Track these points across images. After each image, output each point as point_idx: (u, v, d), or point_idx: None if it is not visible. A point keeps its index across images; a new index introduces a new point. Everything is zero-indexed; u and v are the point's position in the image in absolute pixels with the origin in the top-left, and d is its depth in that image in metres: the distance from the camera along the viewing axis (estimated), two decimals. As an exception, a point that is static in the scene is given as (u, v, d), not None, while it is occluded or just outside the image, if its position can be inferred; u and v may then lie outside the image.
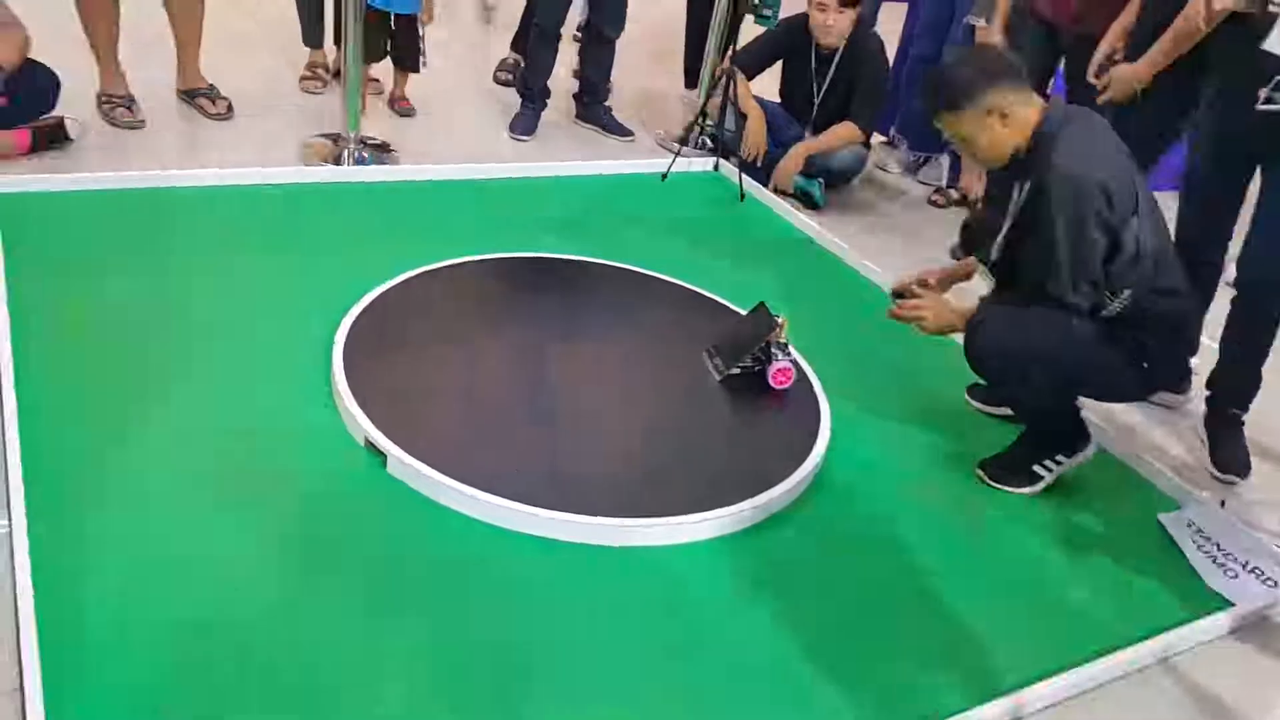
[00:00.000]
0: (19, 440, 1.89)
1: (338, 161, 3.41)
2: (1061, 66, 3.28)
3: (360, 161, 3.42)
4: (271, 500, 1.90)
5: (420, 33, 3.80)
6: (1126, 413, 2.71)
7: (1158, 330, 2.17)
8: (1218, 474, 2.54)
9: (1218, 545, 2.18)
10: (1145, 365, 2.20)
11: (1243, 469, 2.54)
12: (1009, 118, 2.12)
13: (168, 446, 1.99)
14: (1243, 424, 2.60)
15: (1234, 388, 2.59)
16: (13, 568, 1.64)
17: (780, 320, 2.43)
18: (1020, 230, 2.20)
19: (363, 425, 2.05)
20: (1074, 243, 2.04)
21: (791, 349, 2.49)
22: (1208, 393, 2.64)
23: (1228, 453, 2.56)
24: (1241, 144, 2.46)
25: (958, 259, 2.94)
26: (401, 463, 1.98)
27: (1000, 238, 2.28)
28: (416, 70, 3.90)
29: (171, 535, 1.78)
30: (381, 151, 3.55)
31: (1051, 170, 2.05)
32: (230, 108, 3.62)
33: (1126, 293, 2.11)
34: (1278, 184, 2.42)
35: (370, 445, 2.04)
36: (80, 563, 1.69)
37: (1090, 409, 2.42)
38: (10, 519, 1.72)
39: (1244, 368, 2.55)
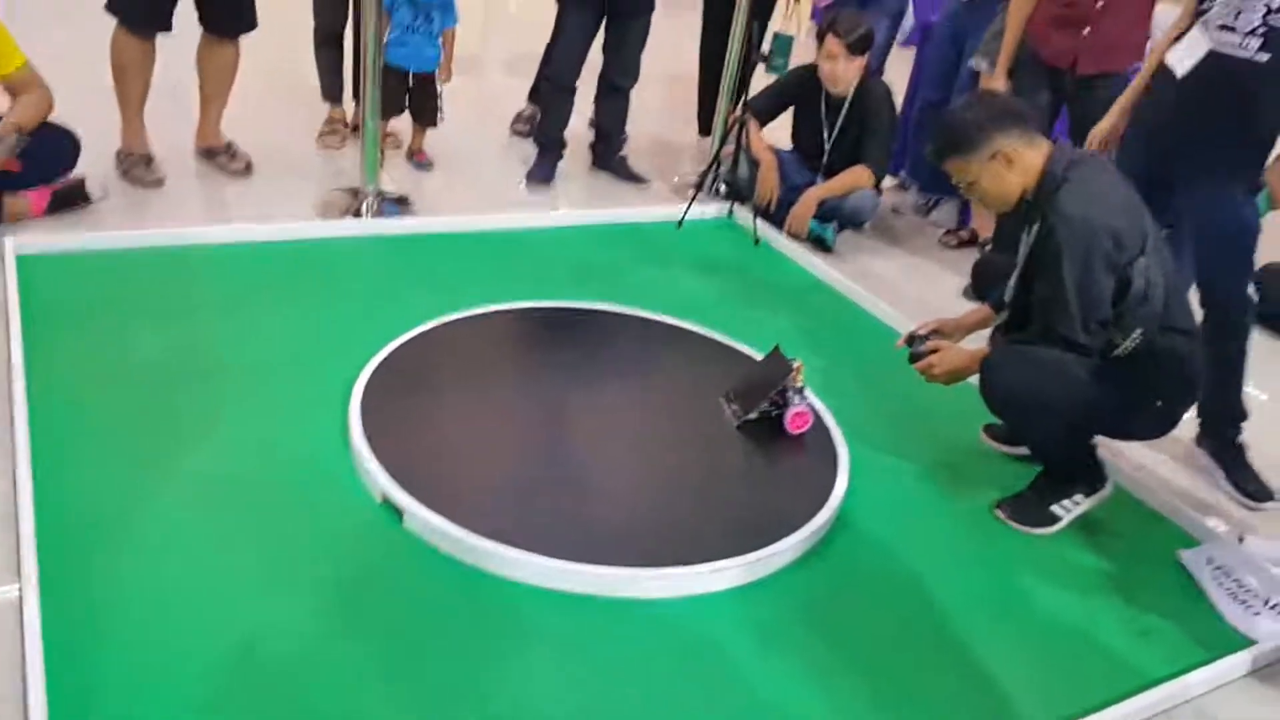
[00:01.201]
0: (33, 500, 1.89)
1: (357, 215, 3.46)
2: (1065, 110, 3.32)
3: (379, 214, 3.48)
4: (288, 557, 1.91)
5: (438, 89, 3.88)
6: (1141, 450, 2.70)
7: (1170, 368, 2.17)
8: (1251, 503, 2.53)
9: (1238, 582, 2.16)
10: (1159, 403, 2.21)
11: (1273, 492, 2.54)
12: (1014, 162, 2.15)
13: (184, 503, 2.01)
14: (1245, 445, 2.61)
15: (1225, 404, 2.61)
16: (22, 634, 1.63)
17: (796, 364, 2.45)
18: (1031, 271, 2.22)
19: (379, 480, 2.07)
20: (1082, 284, 2.06)
21: (808, 393, 2.50)
22: (1199, 418, 2.66)
23: (1248, 477, 2.57)
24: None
25: (971, 300, 2.95)
26: (418, 517, 1.99)
27: (1013, 280, 2.30)
28: (434, 125, 3.99)
29: (187, 594, 1.79)
30: (400, 204, 3.60)
31: (1058, 214, 2.07)
32: (249, 165, 3.68)
33: (1138, 331, 2.13)
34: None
35: (387, 500, 2.05)
36: (93, 624, 1.69)
37: (1106, 447, 2.42)
38: (21, 581, 1.72)
39: (1226, 385, 2.57)
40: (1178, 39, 2.50)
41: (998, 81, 3.36)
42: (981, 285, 2.65)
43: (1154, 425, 2.30)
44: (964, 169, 2.21)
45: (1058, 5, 3.13)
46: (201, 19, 3.44)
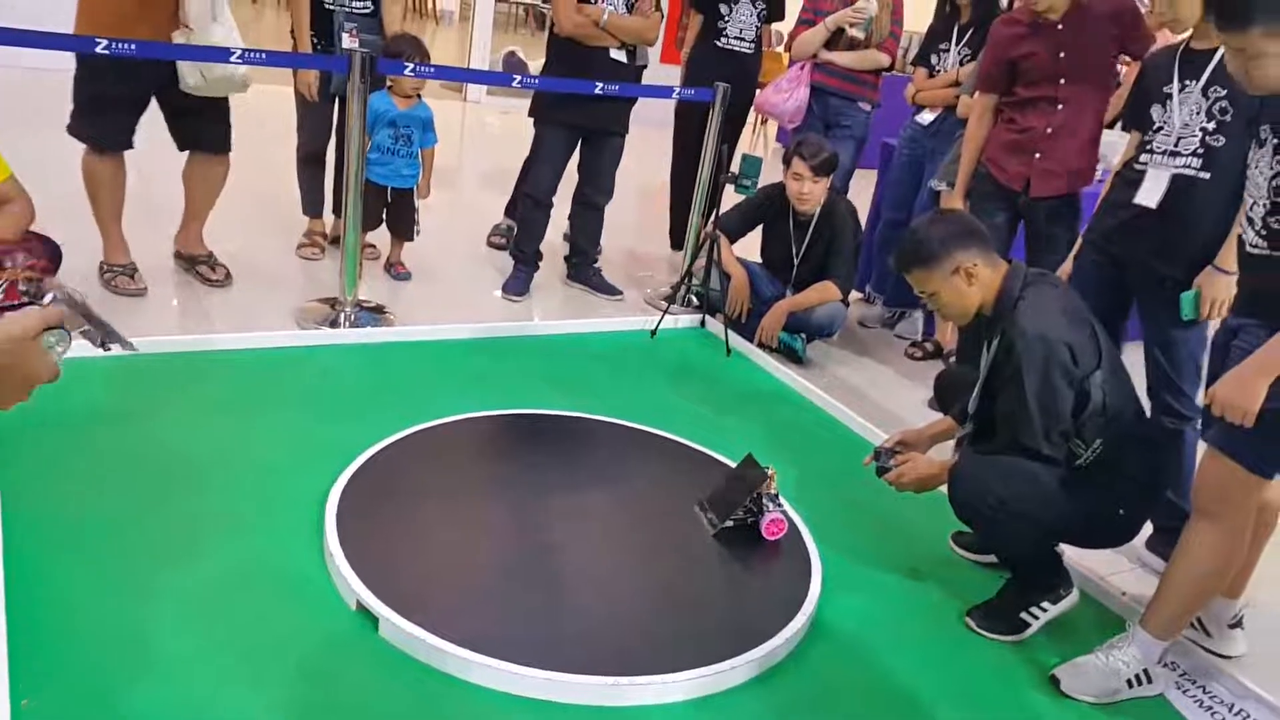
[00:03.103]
0: (5, 612, 1.86)
1: (334, 324, 3.51)
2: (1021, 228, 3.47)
3: (356, 324, 3.53)
4: (263, 664, 1.89)
5: (415, 204, 4.00)
6: (1102, 557, 2.74)
7: (1131, 477, 2.24)
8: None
9: (1204, 689, 2.19)
10: (1122, 512, 2.27)
11: None
12: (974, 277, 2.26)
13: (158, 612, 1.98)
14: None
15: (1178, 508, 2.65)
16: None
17: (770, 471, 2.49)
18: (992, 384, 2.30)
19: (354, 588, 2.07)
20: (1043, 396, 2.14)
21: (782, 499, 2.54)
22: (1152, 522, 2.70)
23: None
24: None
25: (935, 410, 3.03)
26: (393, 625, 1.99)
27: (975, 393, 2.38)
28: (411, 239, 4.10)
29: (162, 704, 1.76)
30: (377, 314, 3.66)
31: (1017, 329, 2.17)
32: (229, 275, 3.74)
33: (1098, 442, 2.20)
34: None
35: (362, 608, 2.05)
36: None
37: (1071, 555, 2.46)
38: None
39: (1178, 489, 2.63)
40: (1124, 171, 2.67)
41: (956, 202, 3.52)
42: (944, 398, 2.73)
43: (1117, 533, 2.36)
44: (926, 280, 2.31)
45: (1010, 132, 3.32)
46: (184, 144, 3.53)
